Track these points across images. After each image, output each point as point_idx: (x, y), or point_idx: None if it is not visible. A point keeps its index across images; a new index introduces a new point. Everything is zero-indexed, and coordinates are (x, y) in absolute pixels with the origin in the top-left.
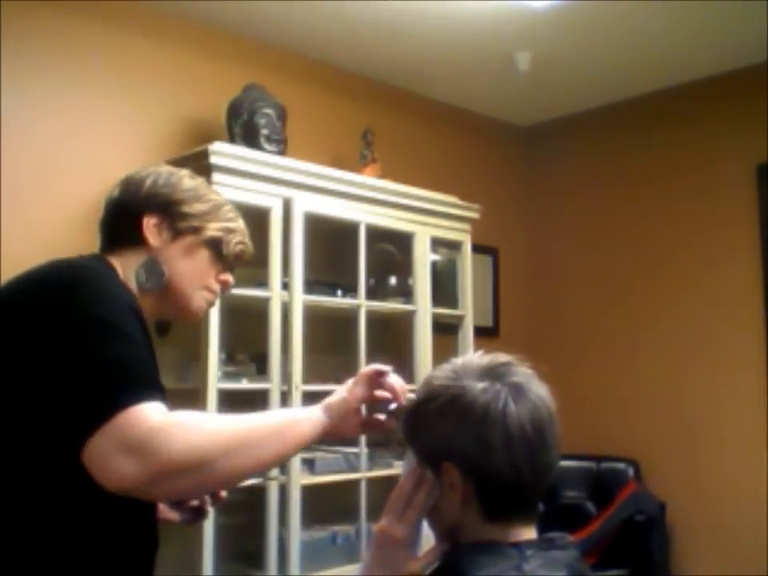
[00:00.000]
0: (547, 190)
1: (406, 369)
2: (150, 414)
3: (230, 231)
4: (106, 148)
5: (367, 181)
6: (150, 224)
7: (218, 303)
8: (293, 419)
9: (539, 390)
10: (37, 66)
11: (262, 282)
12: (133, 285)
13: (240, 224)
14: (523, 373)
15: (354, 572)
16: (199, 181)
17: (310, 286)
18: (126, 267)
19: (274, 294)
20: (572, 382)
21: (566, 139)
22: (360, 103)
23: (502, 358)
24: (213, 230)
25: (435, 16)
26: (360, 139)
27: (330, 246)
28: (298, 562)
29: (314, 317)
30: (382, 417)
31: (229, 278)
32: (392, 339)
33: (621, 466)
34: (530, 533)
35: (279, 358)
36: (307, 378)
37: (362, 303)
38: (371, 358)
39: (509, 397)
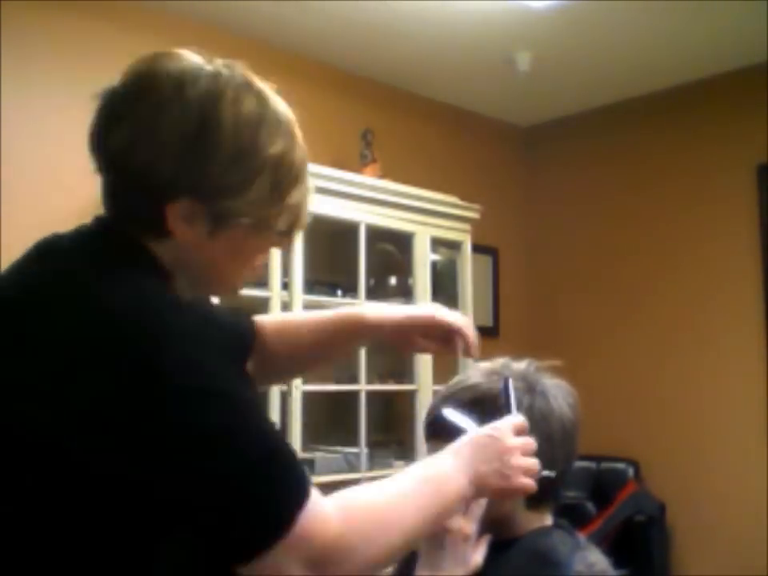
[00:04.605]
0: (547, 190)
1: (405, 369)
2: (326, 517)
3: (294, 208)
4: None
5: (367, 181)
6: (175, 213)
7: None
8: (453, 494)
9: (563, 388)
10: (37, 66)
11: (262, 282)
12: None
13: (305, 178)
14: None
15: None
16: (246, 118)
17: (310, 286)
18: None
19: (274, 294)
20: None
21: (565, 139)
22: (360, 103)
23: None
24: (272, 218)
25: (435, 16)
26: (360, 139)
27: (330, 245)
28: None
29: None
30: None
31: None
32: None
33: (621, 466)
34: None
35: None
36: (307, 378)
37: (362, 303)
38: (371, 357)
39: (556, 394)
